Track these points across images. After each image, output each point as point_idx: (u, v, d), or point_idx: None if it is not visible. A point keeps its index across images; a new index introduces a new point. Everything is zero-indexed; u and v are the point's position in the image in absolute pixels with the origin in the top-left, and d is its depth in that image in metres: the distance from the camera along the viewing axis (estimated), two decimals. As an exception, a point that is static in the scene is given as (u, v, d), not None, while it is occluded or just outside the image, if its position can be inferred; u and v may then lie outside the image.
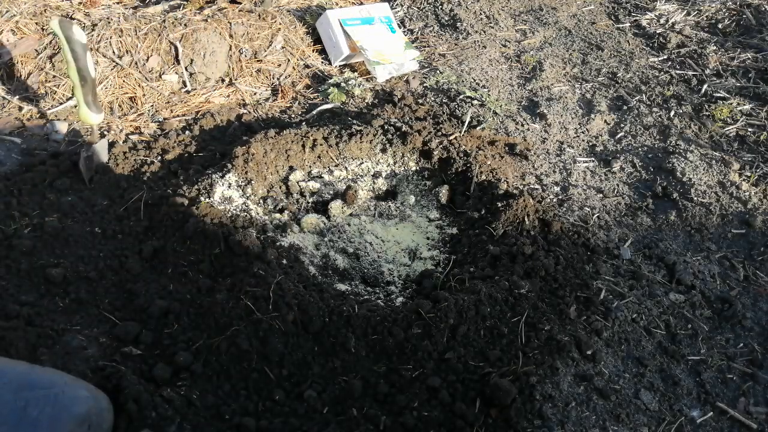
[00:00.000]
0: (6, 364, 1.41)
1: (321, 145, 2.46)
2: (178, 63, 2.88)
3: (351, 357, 1.73)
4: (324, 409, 1.62)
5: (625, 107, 2.99)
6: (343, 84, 2.99)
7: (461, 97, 2.92)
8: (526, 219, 2.17)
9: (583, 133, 2.83)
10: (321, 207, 2.37)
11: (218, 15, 3.03)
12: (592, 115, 2.90)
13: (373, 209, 2.37)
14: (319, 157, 2.46)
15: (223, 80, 2.97)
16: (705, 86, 3.12)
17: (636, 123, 2.89)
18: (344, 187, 2.42)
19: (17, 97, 2.68)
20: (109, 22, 2.84)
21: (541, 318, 1.88)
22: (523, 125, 2.83)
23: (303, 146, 2.44)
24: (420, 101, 2.91)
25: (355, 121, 2.61)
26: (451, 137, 2.54)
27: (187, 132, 2.63)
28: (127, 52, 2.82)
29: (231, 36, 2.99)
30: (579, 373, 1.77)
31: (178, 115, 2.75)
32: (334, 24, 3.18)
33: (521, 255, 2.03)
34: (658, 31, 3.61)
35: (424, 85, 3.07)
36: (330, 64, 3.21)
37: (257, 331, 1.71)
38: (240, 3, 3.21)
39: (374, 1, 3.64)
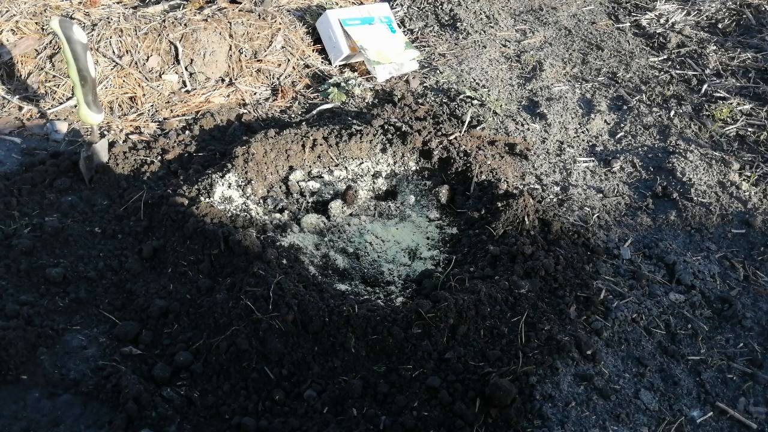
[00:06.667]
0: None
1: (321, 145, 2.46)
2: (178, 63, 2.88)
3: (351, 357, 1.73)
4: (324, 409, 1.62)
5: (625, 107, 2.99)
6: (343, 84, 2.98)
7: (461, 97, 2.92)
8: (526, 219, 2.17)
9: (583, 133, 2.82)
10: (321, 207, 2.37)
11: (218, 15, 3.03)
12: (592, 115, 2.90)
13: (373, 209, 2.37)
14: (319, 157, 2.46)
15: (223, 80, 2.97)
16: (705, 86, 3.12)
17: (636, 123, 2.89)
18: (344, 187, 2.42)
19: (17, 97, 2.68)
20: (109, 22, 2.84)
21: (541, 318, 1.88)
22: (523, 125, 2.82)
23: (303, 146, 2.44)
24: (420, 101, 2.91)
25: (355, 121, 2.61)
26: (451, 137, 2.54)
27: (187, 132, 2.63)
28: (127, 51, 2.82)
29: (231, 36, 2.99)
30: (579, 373, 1.77)
31: (178, 115, 2.75)
32: (334, 24, 3.18)
33: (521, 255, 2.03)
34: (658, 31, 3.61)
35: (424, 85, 3.07)
36: (330, 64, 3.21)
37: (257, 331, 1.71)
38: (240, 3, 3.21)
39: (374, 1, 3.64)
